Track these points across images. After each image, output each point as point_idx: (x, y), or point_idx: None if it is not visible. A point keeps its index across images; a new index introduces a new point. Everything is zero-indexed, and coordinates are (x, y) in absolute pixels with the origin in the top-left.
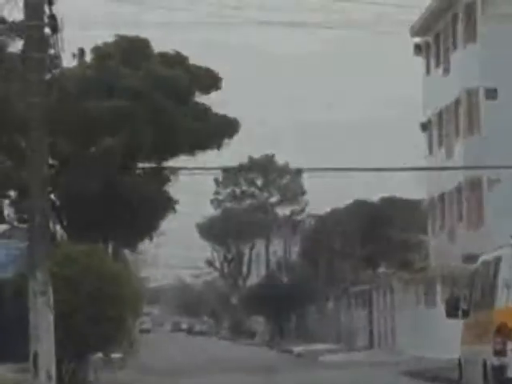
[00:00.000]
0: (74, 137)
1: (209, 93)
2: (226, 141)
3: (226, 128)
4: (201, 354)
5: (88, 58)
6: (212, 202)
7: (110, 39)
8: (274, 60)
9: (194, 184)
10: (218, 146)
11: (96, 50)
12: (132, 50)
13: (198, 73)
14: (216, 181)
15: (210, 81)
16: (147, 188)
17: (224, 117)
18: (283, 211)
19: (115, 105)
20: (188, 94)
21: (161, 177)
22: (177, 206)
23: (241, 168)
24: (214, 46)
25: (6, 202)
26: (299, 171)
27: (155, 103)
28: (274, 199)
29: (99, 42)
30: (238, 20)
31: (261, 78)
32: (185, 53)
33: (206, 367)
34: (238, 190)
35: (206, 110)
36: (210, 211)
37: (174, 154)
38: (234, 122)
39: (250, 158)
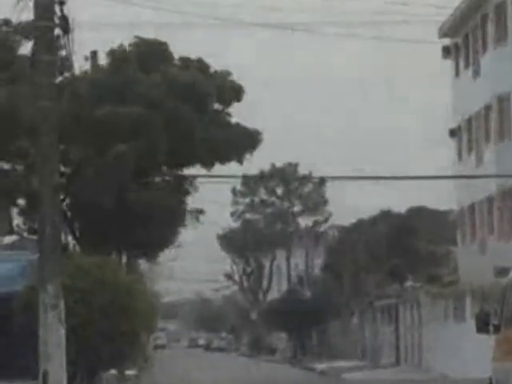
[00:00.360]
0: (86, 143)
1: (230, 105)
2: (247, 155)
3: (247, 141)
4: (218, 371)
5: (103, 61)
6: (232, 214)
7: (127, 41)
8: (291, 64)
9: (212, 194)
10: (239, 160)
11: (112, 53)
12: (150, 53)
13: (220, 83)
14: (233, 191)
15: (231, 92)
16: (163, 197)
17: (246, 129)
18: (305, 222)
19: (130, 111)
20: (207, 101)
21: (178, 185)
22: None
23: (262, 175)
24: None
25: (15, 211)
26: (322, 180)
27: (172, 110)
28: (295, 209)
29: (114, 45)
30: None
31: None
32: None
33: None
34: (257, 200)
35: (226, 121)
36: (229, 223)
37: (191, 163)
38: (256, 133)
39: (272, 166)
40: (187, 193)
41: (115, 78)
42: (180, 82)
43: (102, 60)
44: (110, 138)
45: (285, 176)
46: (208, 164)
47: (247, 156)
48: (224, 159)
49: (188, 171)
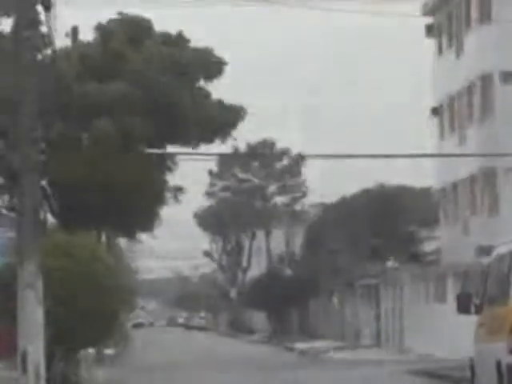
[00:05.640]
0: (67, 120)
1: (212, 80)
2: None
3: (231, 118)
4: (197, 350)
5: (87, 37)
6: (208, 193)
7: (110, 17)
8: (271, 41)
9: (189, 173)
10: (223, 139)
11: (97, 28)
12: (135, 29)
13: (202, 57)
14: (210, 172)
15: (214, 66)
16: (144, 174)
17: (230, 105)
18: (283, 199)
19: (113, 87)
20: (193, 79)
21: (159, 163)
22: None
23: (237, 154)
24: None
25: None
26: (301, 157)
27: (158, 88)
28: (273, 187)
29: (98, 21)
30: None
31: (259, 60)
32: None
33: (201, 364)
34: (234, 179)
35: (210, 99)
36: (206, 202)
37: (174, 141)
38: (240, 110)
39: (248, 145)
40: (169, 170)
41: (103, 54)
42: (167, 59)
43: (88, 35)
44: (91, 115)
45: (262, 154)
46: (191, 143)
47: (231, 134)
48: (208, 140)
49: (170, 148)
